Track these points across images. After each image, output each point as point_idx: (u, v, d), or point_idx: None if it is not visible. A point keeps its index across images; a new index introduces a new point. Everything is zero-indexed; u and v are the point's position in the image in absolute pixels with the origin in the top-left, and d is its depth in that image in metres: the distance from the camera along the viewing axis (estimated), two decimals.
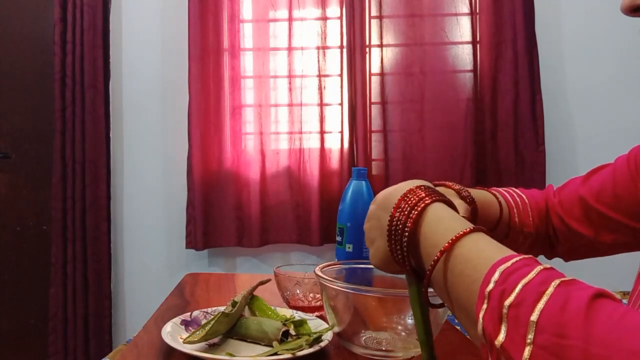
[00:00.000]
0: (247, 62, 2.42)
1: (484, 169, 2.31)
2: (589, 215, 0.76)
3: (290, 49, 2.39)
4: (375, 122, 2.38)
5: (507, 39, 2.29)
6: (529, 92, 2.27)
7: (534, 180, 2.27)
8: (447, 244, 0.48)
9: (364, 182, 1.08)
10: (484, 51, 2.34)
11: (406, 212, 0.53)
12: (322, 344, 0.78)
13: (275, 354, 0.74)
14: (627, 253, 0.76)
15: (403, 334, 0.76)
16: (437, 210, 0.53)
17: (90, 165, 2.35)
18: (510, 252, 0.45)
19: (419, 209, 0.52)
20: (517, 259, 0.43)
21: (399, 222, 0.53)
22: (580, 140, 2.36)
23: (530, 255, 0.44)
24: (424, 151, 2.33)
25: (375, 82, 2.38)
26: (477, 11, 2.35)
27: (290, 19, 2.38)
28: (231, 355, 0.77)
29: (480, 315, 0.41)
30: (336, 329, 0.79)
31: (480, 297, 0.42)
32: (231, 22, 2.39)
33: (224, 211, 2.37)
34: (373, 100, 2.38)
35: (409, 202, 0.54)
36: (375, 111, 2.38)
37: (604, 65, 2.36)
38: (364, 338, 0.77)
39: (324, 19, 2.39)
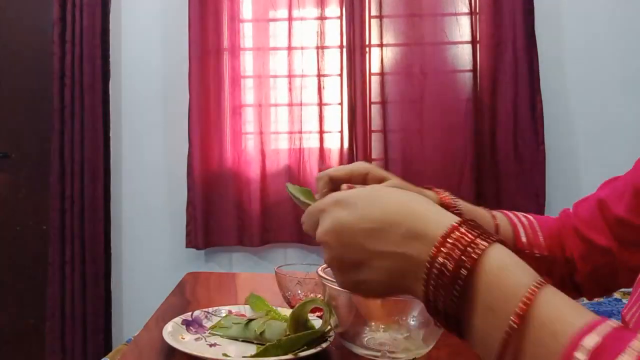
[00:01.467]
0: (247, 62, 2.42)
1: (484, 168, 2.31)
2: (608, 220, 0.70)
3: (290, 48, 2.39)
4: (375, 122, 2.38)
5: (507, 38, 2.29)
6: (528, 92, 2.27)
7: (534, 180, 2.27)
8: (523, 305, 0.38)
9: None
10: (483, 51, 2.34)
11: (456, 257, 0.41)
12: (324, 345, 0.78)
13: (276, 354, 0.74)
14: None
15: (405, 335, 0.76)
16: (499, 256, 0.42)
17: (89, 165, 2.34)
18: (590, 313, 0.38)
19: (479, 253, 0.41)
20: (604, 328, 0.36)
21: (445, 269, 0.41)
22: (580, 140, 2.36)
23: (616, 321, 0.37)
24: (423, 151, 2.33)
25: (375, 82, 2.38)
26: (477, 11, 2.35)
27: (290, 19, 2.38)
28: (226, 355, 0.77)
29: None
30: (338, 330, 0.78)
31: None
32: (231, 22, 2.39)
33: (224, 210, 2.37)
34: (373, 100, 2.38)
35: (458, 244, 0.42)
36: (375, 111, 2.38)
37: (604, 64, 2.36)
38: (365, 339, 0.77)
39: (324, 18, 2.39)
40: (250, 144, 2.41)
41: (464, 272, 0.41)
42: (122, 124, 2.48)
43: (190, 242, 2.38)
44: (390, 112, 2.36)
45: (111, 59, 2.43)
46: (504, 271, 0.41)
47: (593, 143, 2.34)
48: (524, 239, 0.72)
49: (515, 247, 0.71)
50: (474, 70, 2.33)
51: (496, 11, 2.30)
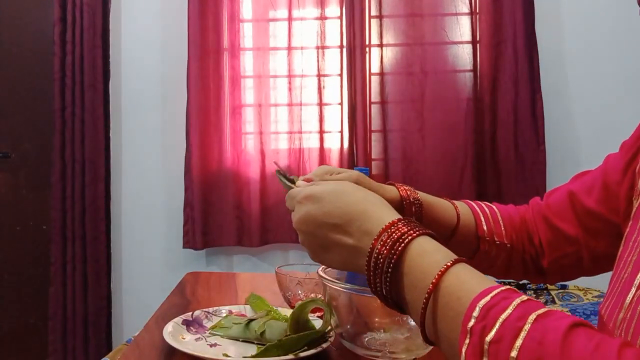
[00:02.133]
0: (247, 62, 2.42)
1: (484, 168, 2.31)
2: (577, 212, 0.75)
3: (290, 48, 2.39)
4: (375, 121, 2.38)
5: (507, 38, 2.29)
6: (529, 92, 2.27)
7: (534, 180, 2.27)
8: (434, 280, 0.48)
9: None
10: (484, 51, 2.34)
11: (388, 246, 0.52)
12: (324, 345, 0.78)
13: (277, 354, 0.75)
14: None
15: (405, 335, 0.76)
16: (421, 245, 0.53)
17: (89, 165, 2.35)
18: (490, 283, 0.47)
19: (405, 243, 0.52)
20: (496, 292, 0.45)
21: (380, 256, 0.53)
22: (581, 139, 2.36)
23: (509, 286, 0.45)
24: (423, 151, 2.33)
25: (375, 81, 2.38)
26: (477, 11, 2.35)
27: (290, 19, 2.38)
28: (227, 355, 0.77)
29: (463, 350, 0.43)
30: (338, 330, 0.79)
31: (462, 332, 0.44)
32: (231, 22, 2.39)
33: (223, 210, 2.37)
34: (373, 100, 2.38)
35: (391, 236, 0.53)
36: (375, 111, 2.38)
37: (604, 64, 2.36)
38: (366, 339, 0.77)
39: (324, 18, 2.39)
40: (250, 144, 2.41)
41: (392, 258, 0.52)
42: (122, 124, 2.48)
43: (188, 243, 2.38)
44: (390, 112, 2.37)
45: (111, 59, 2.43)
46: (424, 256, 0.51)
47: (593, 143, 2.34)
48: (484, 227, 0.77)
49: (477, 235, 0.77)
50: (474, 70, 2.33)
51: (496, 11, 2.30)
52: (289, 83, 2.39)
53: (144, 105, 2.48)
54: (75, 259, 2.33)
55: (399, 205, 0.73)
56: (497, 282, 0.48)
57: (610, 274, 0.62)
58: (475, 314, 0.44)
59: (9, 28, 2.52)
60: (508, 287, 0.45)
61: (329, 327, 0.80)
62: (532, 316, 0.41)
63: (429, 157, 2.33)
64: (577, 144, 2.36)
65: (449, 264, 0.49)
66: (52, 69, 2.34)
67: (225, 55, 2.39)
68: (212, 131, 2.37)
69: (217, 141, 2.38)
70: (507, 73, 2.29)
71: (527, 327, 0.41)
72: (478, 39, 2.35)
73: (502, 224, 0.79)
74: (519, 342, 0.40)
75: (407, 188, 0.76)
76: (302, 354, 0.75)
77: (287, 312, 0.90)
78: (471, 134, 2.29)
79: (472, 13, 2.33)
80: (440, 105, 2.33)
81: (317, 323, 0.84)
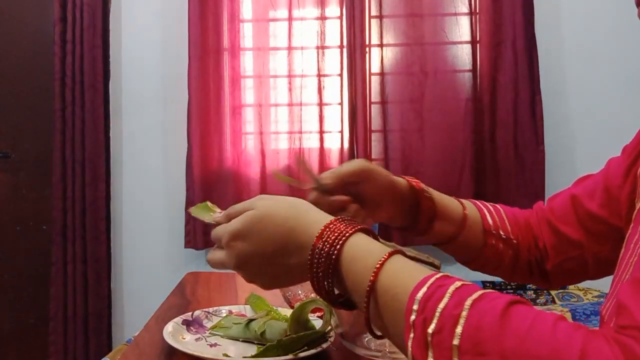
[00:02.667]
0: (247, 62, 2.42)
1: (484, 168, 2.31)
2: (580, 216, 0.74)
3: (290, 48, 2.39)
4: (375, 121, 2.38)
5: (507, 38, 2.29)
6: (528, 92, 2.27)
7: (534, 180, 2.27)
8: (369, 284, 0.49)
9: None
10: (483, 51, 2.34)
11: (323, 259, 0.53)
12: (324, 345, 0.78)
13: (277, 354, 0.75)
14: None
15: None
16: (353, 247, 0.53)
17: (89, 165, 2.35)
18: (424, 273, 0.48)
19: (335, 253, 0.52)
20: (431, 281, 0.46)
21: (321, 255, 0.53)
22: (580, 140, 2.36)
23: (442, 273, 0.47)
24: (423, 151, 2.33)
25: (375, 81, 2.38)
26: (477, 11, 2.35)
27: (290, 19, 2.38)
28: (227, 355, 0.77)
29: (409, 344, 0.45)
30: (338, 330, 0.79)
31: (407, 327, 0.45)
32: (231, 22, 2.39)
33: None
34: (373, 100, 2.38)
35: (331, 235, 0.53)
36: (375, 111, 2.38)
37: (604, 64, 2.36)
38: (366, 339, 0.77)
39: (324, 18, 2.39)
40: (250, 144, 2.41)
41: (329, 269, 0.52)
42: (122, 124, 2.48)
43: (189, 242, 2.38)
44: (390, 112, 2.37)
45: (111, 59, 2.43)
46: (357, 260, 0.52)
47: (593, 143, 2.34)
48: (490, 221, 0.77)
49: (483, 229, 0.77)
50: (473, 70, 2.33)
51: (496, 11, 2.30)
52: (289, 83, 2.39)
53: (144, 105, 2.48)
54: (76, 259, 2.33)
55: (410, 196, 0.73)
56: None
57: (612, 275, 0.62)
58: (415, 307, 0.45)
59: (9, 28, 2.52)
60: (442, 274, 0.47)
61: (329, 327, 0.80)
62: (468, 302, 0.42)
63: (428, 157, 2.33)
64: (576, 144, 2.36)
65: (383, 259, 0.50)
66: (52, 68, 2.35)
67: (225, 55, 2.39)
68: (213, 131, 2.37)
69: (217, 141, 2.38)
70: (507, 73, 2.29)
71: (464, 313, 0.42)
72: (478, 39, 2.35)
73: (506, 220, 0.79)
74: (459, 330, 0.41)
75: (418, 182, 0.75)
76: (302, 354, 0.75)
77: (287, 312, 0.90)
78: (470, 134, 2.30)
79: (471, 13, 2.33)
80: (440, 106, 2.33)
81: (317, 323, 0.84)
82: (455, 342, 0.41)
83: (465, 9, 2.34)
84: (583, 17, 2.37)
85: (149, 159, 2.48)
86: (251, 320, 0.86)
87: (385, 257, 0.50)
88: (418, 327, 0.44)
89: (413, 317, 0.45)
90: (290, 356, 0.74)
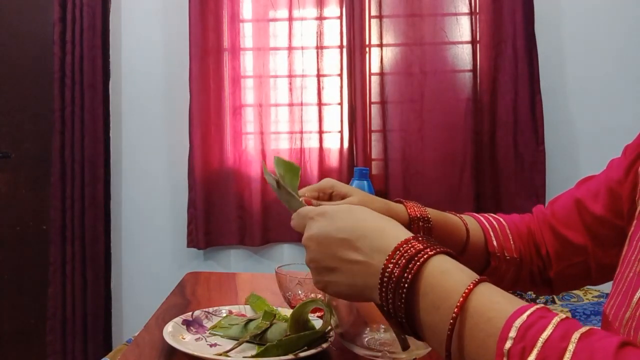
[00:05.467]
0: (248, 62, 2.42)
1: (483, 168, 2.31)
2: (585, 219, 0.73)
3: (290, 48, 2.39)
4: (375, 121, 2.38)
5: (507, 38, 2.29)
6: (528, 92, 2.27)
7: (534, 180, 2.27)
8: (461, 299, 0.45)
9: (365, 182, 1.08)
10: (483, 51, 2.34)
11: (402, 264, 0.49)
12: (324, 345, 0.78)
13: (277, 354, 0.75)
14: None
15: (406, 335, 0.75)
16: (442, 262, 0.49)
17: (89, 165, 2.35)
18: (521, 302, 0.44)
19: (421, 261, 0.49)
20: (531, 310, 0.42)
21: (393, 275, 0.49)
22: (580, 139, 2.36)
23: (542, 305, 0.43)
24: (423, 151, 2.33)
25: (374, 81, 2.38)
26: (477, 11, 2.35)
27: (290, 19, 2.38)
28: (227, 355, 0.77)
29: None
30: (338, 330, 0.79)
31: (498, 354, 0.41)
32: (231, 22, 2.39)
33: (225, 210, 2.37)
34: (373, 100, 2.38)
35: (405, 254, 0.49)
36: (374, 111, 2.38)
37: (604, 64, 2.36)
38: (366, 339, 0.77)
39: (324, 18, 2.39)
40: (251, 144, 2.41)
41: (408, 277, 0.48)
42: (122, 124, 2.48)
43: (192, 242, 2.38)
44: (390, 112, 2.37)
45: (111, 59, 2.43)
46: (445, 274, 0.48)
47: (593, 143, 2.34)
48: (495, 243, 0.75)
49: (487, 251, 0.75)
50: (473, 70, 2.33)
51: (496, 11, 2.30)
52: (289, 83, 2.39)
53: (144, 105, 2.48)
54: (75, 259, 2.33)
55: (407, 222, 0.70)
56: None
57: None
58: (512, 334, 0.40)
59: (8, 28, 2.52)
60: (542, 305, 0.43)
61: (329, 327, 0.80)
62: (576, 335, 0.39)
63: (428, 157, 2.33)
64: (577, 144, 2.36)
65: (474, 282, 0.46)
66: (52, 69, 2.35)
67: (225, 55, 2.39)
68: (213, 131, 2.37)
69: (218, 141, 2.38)
70: (507, 73, 2.29)
71: (571, 347, 0.38)
72: (478, 39, 2.35)
73: (511, 238, 0.77)
74: None
75: (415, 205, 0.73)
76: (302, 354, 0.75)
77: (287, 312, 0.90)
78: (470, 134, 2.30)
79: (471, 13, 2.33)
80: (440, 106, 2.33)
81: (317, 323, 0.84)
82: None
83: (465, 9, 2.34)
84: (583, 16, 2.37)
85: (148, 159, 2.48)
86: (250, 320, 0.86)
87: (478, 279, 0.46)
88: (514, 356, 0.39)
89: (508, 344, 0.40)
90: (290, 356, 0.74)
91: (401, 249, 0.50)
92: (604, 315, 0.58)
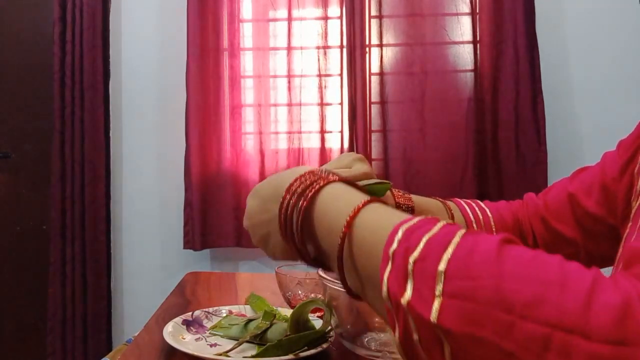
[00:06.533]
0: (247, 62, 2.42)
1: (485, 168, 2.31)
2: (577, 215, 0.72)
3: (289, 48, 2.38)
4: (375, 121, 2.37)
5: (508, 38, 2.29)
6: (530, 91, 2.27)
7: (536, 180, 2.27)
8: (350, 216, 0.44)
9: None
10: (484, 50, 2.33)
11: (299, 192, 0.50)
12: (325, 345, 0.77)
13: (277, 354, 0.74)
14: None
15: None
16: (334, 189, 0.50)
17: (89, 165, 2.34)
18: (408, 215, 0.43)
19: (315, 188, 0.49)
20: (420, 217, 0.41)
21: (289, 205, 0.50)
22: (582, 139, 2.36)
23: (434, 217, 0.42)
24: (424, 151, 2.33)
25: (375, 81, 2.38)
26: (478, 10, 2.34)
27: (289, 19, 2.38)
28: (227, 355, 0.76)
29: (385, 277, 0.39)
30: (338, 330, 0.78)
31: (384, 258, 0.39)
32: (230, 22, 2.38)
33: (222, 211, 2.37)
34: (373, 99, 2.38)
35: (303, 184, 0.50)
36: (375, 111, 2.38)
37: (606, 63, 2.35)
38: (366, 339, 0.77)
39: (324, 18, 2.38)
40: (250, 144, 2.41)
41: (303, 204, 0.49)
42: (122, 124, 2.48)
43: (188, 243, 2.37)
44: (390, 111, 2.36)
45: (111, 59, 2.43)
46: (337, 199, 0.48)
47: (595, 143, 2.33)
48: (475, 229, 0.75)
49: None
50: (474, 69, 2.32)
51: (497, 10, 2.30)
52: (289, 83, 2.39)
53: (143, 105, 2.48)
54: (75, 259, 2.33)
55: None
56: None
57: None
58: (399, 237, 0.39)
59: (9, 28, 2.52)
60: (434, 217, 0.42)
61: (329, 327, 0.80)
62: (461, 232, 0.38)
63: (429, 157, 2.33)
64: (579, 144, 2.36)
65: (364, 201, 0.46)
66: (52, 68, 2.34)
67: (224, 55, 2.39)
68: (212, 131, 2.37)
69: (216, 141, 2.38)
70: (508, 73, 2.29)
71: (455, 240, 0.37)
72: (479, 39, 2.34)
73: (493, 226, 0.76)
74: (447, 255, 0.36)
75: (399, 192, 0.73)
76: (302, 354, 0.74)
77: (287, 312, 0.90)
78: (472, 134, 2.29)
79: (472, 13, 2.33)
80: (441, 105, 2.33)
81: (317, 323, 0.84)
82: (441, 267, 0.35)
83: (466, 9, 2.33)
84: (584, 16, 2.36)
85: (148, 159, 2.47)
86: (251, 320, 0.86)
87: (370, 198, 0.46)
88: (398, 256, 0.38)
89: (394, 247, 0.39)
90: (290, 356, 0.74)
91: (297, 182, 0.51)
92: None
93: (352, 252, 0.44)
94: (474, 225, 0.75)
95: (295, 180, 0.51)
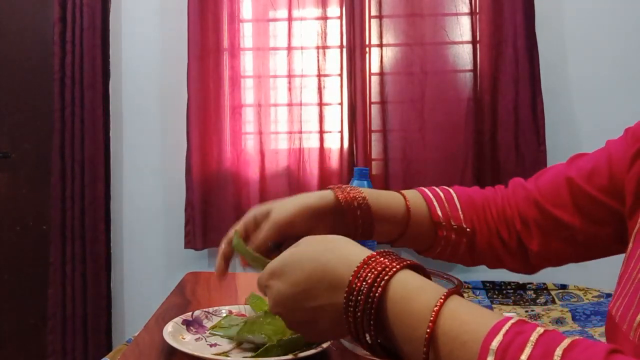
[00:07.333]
0: (247, 62, 2.42)
1: (484, 168, 2.31)
2: (577, 199, 0.69)
3: (290, 48, 2.38)
4: (375, 121, 2.38)
5: (508, 38, 2.29)
6: (529, 92, 2.27)
7: None
8: (428, 329, 0.43)
9: (365, 182, 1.08)
10: (484, 50, 2.34)
11: (369, 281, 0.46)
12: (324, 345, 0.78)
13: (277, 354, 0.74)
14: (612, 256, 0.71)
15: None
16: (401, 283, 0.47)
17: (89, 165, 2.35)
18: (494, 316, 0.42)
19: (387, 277, 0.46)
20: (506, 328, 0.40)
21: (360, 294, 0.46)
22: (581, 139, 2.36)
23: (517, 317, 0.41)
24: (423, 151, 2.33)
25: (375, 81, 2.38)
26: (477, 10, 2.35)
27: (290, 19, 2.38)
28: (227, 355, 0.77)
29: None
30: None
31: None
32: (231, 22, 2.39)
33: (223, 211, 2.37)
34: (373, 99, 2.38)
35: (373, 270, 0.47)
36: (375, 111, 2.38)
37: (605, 63, 2.36)
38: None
39: (324, 18, 2.39)
40: (250, 144, 2.41)
41: (371, 309, 0.46)
42: (122, 124, 2.48)
43: (189, 243, 2.37)
44: (390, 111, 2.36)
45: (111, 59, 2.43)
46: (409, 300, 0.45)
47: (594, 143, 2.31)
48: (439, 212, 0.72)
49: (432, 221, 0.71)
50: (474, 70, 2.33)
51: (496, 11, 2.30)
52: (289, 83, 2.39)
53: (143, 105, 2.48)
54: (75, 259, 2.33)
55: (339, 209, 0.67)
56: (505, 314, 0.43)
57: (618, 272, 0.59)
58: (490, 358, 0.38)
59: (9, 28, 2.52)
60: (517, 317, 0.41)
61: None
62: (558, 352, 0.37)
63: (429, 157, 2.33)
64: (578, 144, 2.36)
65: (439, 303, 0.44)
66: (52, 68, 2.34)
67: (225, 55, 2.39)
68: (212, 131, 2.37)
69: (216, 141, 2.38)
70: (508, 73, 2.29)
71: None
72: (478, 39, 2.34)
73: (459, 207, 0.73)
74: None
75: (344, 188, 0.70)
76: (302, 354, 0.74)
77: None
78: (471, 134, 2.29)
79: (472, 13, 2.33)
80: (441, 105, 2.33)
81: None
82: None
83: (466, 9, 2.34)
84: (584, 16, 2.37)
85: (148, 159, 2.48)
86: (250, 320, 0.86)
87: (444, 296, 0.44)
88: None
89: None
90: (290, 356, 0.74)
91: (359, 276, 0.48)
92: (609, 316, 0.56)
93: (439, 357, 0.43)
94: (436, 204, 0.72)
95: (363, 264, 0.48)
